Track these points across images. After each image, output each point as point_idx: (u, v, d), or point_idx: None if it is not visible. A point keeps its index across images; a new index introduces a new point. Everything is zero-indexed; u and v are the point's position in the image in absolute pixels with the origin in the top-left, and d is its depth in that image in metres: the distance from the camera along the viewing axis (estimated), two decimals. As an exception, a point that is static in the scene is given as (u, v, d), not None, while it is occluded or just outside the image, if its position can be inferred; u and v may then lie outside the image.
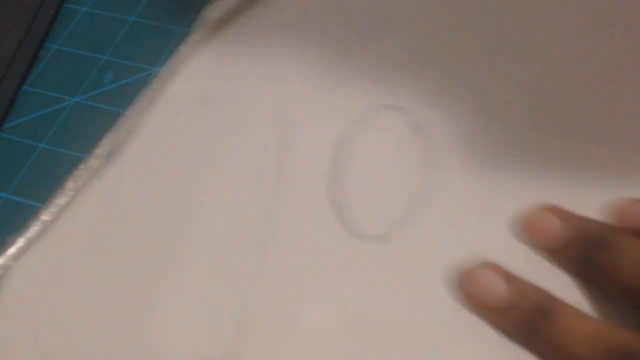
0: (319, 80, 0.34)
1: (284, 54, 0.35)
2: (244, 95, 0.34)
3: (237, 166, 0.32)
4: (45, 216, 0.31)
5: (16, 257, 0.30)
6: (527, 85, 0.33)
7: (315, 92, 0.34)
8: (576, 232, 0.27)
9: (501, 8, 0.35)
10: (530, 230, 0.28)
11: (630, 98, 0.32)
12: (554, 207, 0.28)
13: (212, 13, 0.37)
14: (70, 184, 0.32)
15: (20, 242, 0.30)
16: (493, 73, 0.33)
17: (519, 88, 0.33)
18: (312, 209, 0.30)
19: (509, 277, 0.27)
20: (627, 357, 0.23)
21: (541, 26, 0.35)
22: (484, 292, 0.27)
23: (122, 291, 0.29)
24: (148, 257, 0.30)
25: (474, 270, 0.27)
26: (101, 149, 0.33)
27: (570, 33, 0.34)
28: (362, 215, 0.30)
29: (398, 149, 0.31)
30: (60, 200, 0.31)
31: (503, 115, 0.32)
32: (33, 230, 0.31)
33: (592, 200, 0.28)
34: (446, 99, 0.33)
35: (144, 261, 0.30)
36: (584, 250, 0.26)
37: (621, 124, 0.31)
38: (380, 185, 0.31)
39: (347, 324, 0.27)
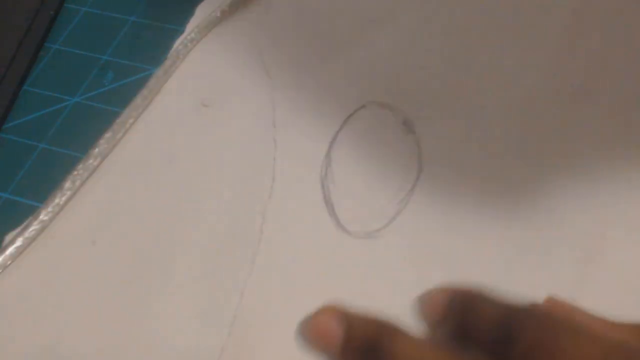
0: (313, 78, 0.34)
1: (278, 52, 0.35)
2: (239, 93, 0.34)
3: (234, 164, 0.32)
4: (43, 216, 0.31)
5: (15, 256, 0.30)
6: (523, 87, 0.33)
7: (310, 89, 0.34)
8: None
9: (496, 8, 0.35)
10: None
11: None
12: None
13: (205, 11, 0.37)
14: (67, 184, 0.32)
15: (19, 242, 0.30)
16: (487, 74, 0.33)
17: (515, 89, 0.33)
18: (306, 206, 0.30)
19: (342, 315, 0.24)
20: None
21: (534, 27, 0.34)
22: (322, 338, 0.24)
23: (119, 288, 0.29)
24: (145, 255, 0.30)
25: (312, 319, 0.24)
26: (98, 149, 0.33)
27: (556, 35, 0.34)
28: (355, 212, 0.30)
29: (391, 147, 0.32)
30: (58, 200, 0.31)
31: (496, 117, 0.32)
32: (31, 229, 0.31)
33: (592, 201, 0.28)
34: (439, 99, 0.33)
35: (141, 259, 0.30)
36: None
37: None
38: (372, 183, 0.31)
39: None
